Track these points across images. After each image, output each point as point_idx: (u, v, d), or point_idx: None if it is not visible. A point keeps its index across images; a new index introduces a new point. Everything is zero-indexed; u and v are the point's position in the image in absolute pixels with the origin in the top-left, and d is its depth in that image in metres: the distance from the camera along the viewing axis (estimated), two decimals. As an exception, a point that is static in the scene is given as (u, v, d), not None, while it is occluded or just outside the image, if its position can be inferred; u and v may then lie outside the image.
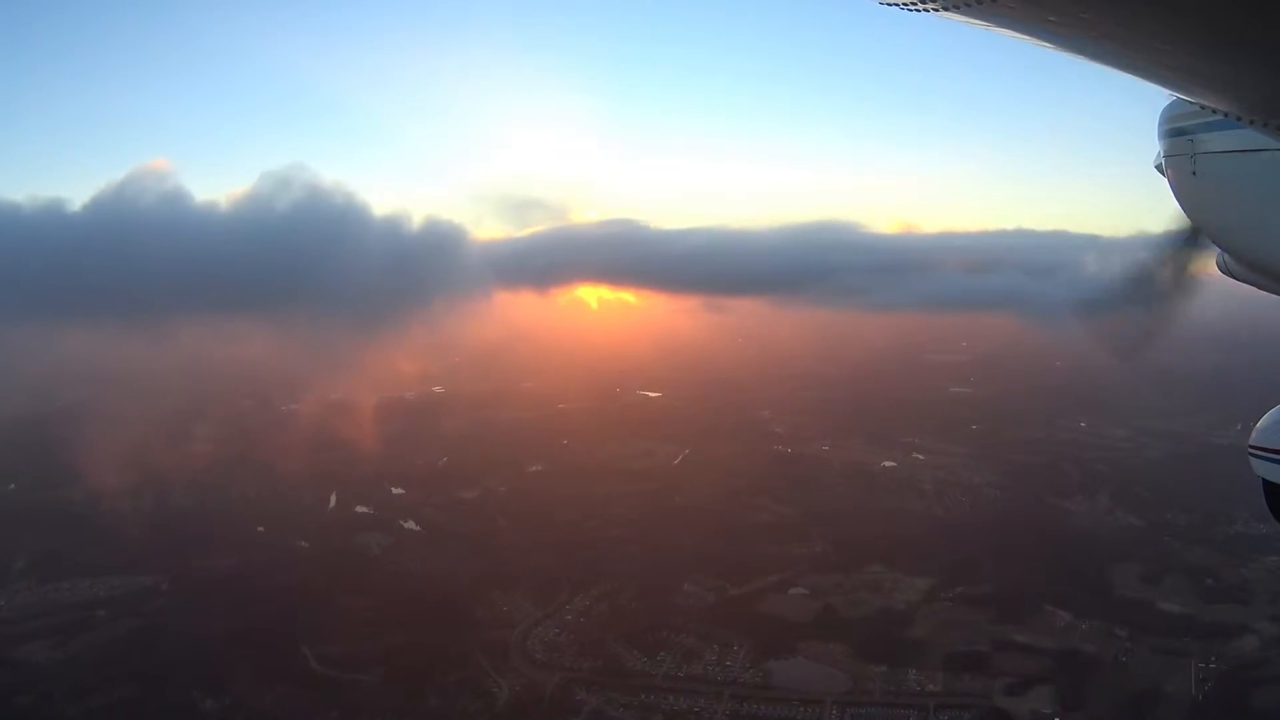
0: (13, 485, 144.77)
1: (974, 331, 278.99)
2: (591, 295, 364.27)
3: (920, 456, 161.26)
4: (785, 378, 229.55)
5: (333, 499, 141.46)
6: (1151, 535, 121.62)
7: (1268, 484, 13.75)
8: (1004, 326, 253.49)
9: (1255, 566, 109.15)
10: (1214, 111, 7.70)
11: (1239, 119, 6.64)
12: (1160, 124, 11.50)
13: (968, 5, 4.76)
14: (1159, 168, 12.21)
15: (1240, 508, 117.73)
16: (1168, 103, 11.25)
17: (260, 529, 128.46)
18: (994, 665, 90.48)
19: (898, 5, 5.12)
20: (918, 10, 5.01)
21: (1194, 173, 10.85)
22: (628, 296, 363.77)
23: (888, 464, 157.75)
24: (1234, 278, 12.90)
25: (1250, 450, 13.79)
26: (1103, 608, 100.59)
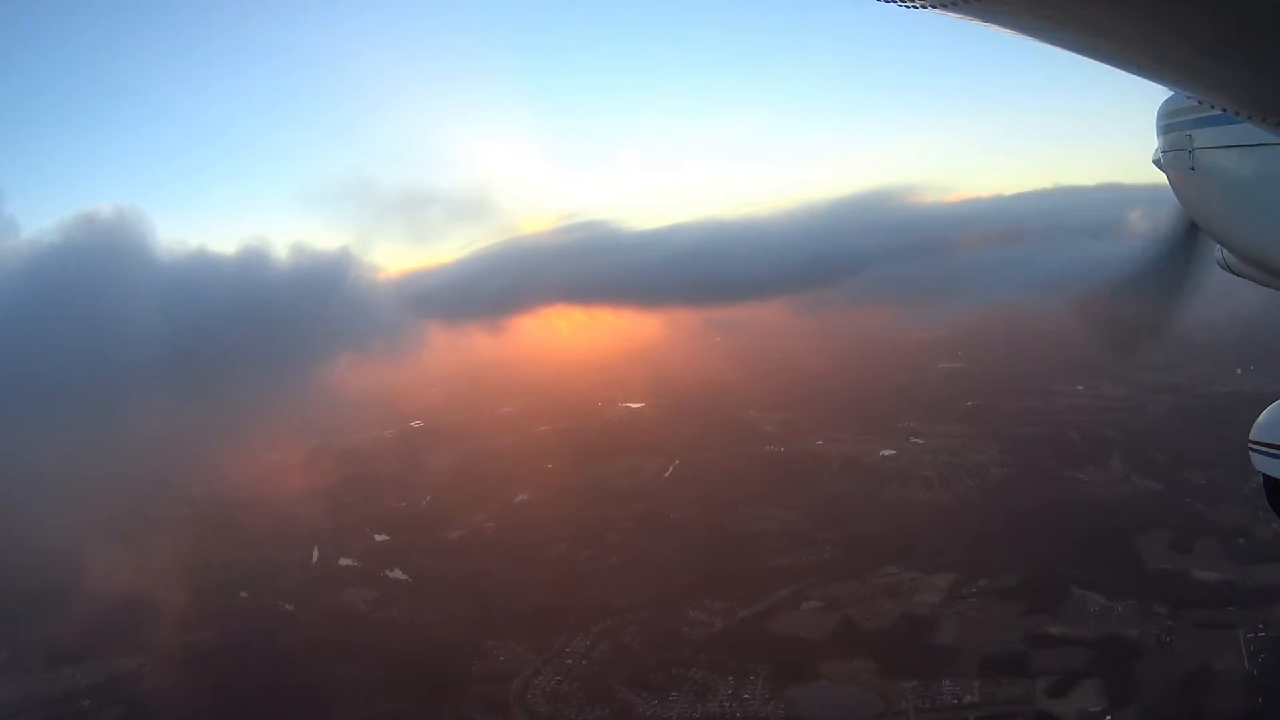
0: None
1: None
2: (561, 320, 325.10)
3: (919, 441, 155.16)
4: (766, 372, 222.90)
5: (315, 553, 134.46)
6: (1172, 498, 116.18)
7: (1269, 479, 13.64)
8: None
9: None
10: (1212, 107, 7.43)
11: (1236, 114, 6.35)
12: (1158, 119, 11.49)
13: (964, 1, 4.56)
14: (1157, 163, 12.21)
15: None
16: (1166, 98, 11.17)
17: (243, 594, 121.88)
18: (1032, 664, 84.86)
19: (894, 1, 4.87)
20: (913, 7, 4.83)
21: (1192, 168, 10.68)
22: (606, 316, 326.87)
23: (886, 453, 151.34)
24: (1233, 273, 12.90)
25: (1250, 446, 13.54)
26: (1136, 584, 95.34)
